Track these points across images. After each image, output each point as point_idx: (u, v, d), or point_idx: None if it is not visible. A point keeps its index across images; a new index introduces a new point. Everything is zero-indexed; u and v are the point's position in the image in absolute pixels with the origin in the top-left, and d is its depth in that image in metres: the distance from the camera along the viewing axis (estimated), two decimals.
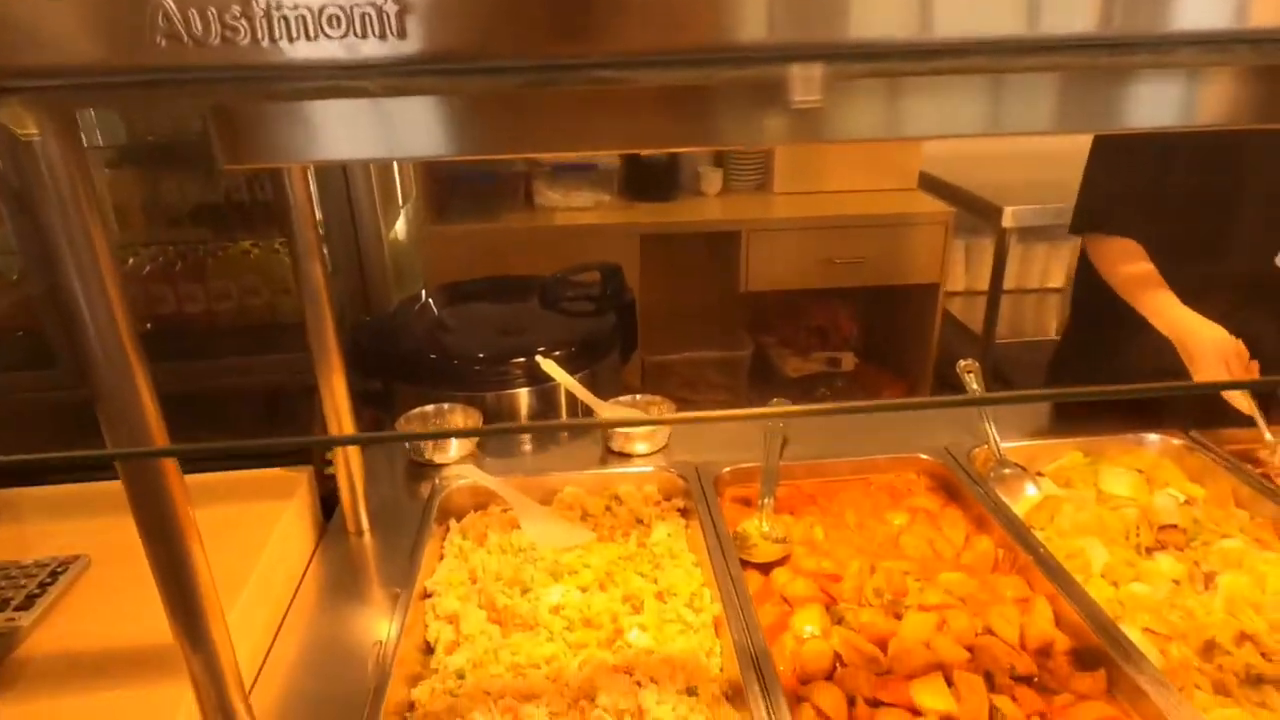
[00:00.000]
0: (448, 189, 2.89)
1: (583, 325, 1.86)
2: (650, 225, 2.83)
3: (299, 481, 1.26)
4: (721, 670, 1.02)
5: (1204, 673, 1.05)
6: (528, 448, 1.57)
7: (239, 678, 0.78)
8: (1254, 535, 1.28)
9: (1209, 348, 1.45)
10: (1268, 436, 1.45)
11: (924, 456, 1.44)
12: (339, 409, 1.24)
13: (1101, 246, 1.70)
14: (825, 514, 1.37)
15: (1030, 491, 1.40)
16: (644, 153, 3.06)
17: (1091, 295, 1.86)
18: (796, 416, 1.58)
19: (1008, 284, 3.44)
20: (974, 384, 1.56)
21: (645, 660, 1.00)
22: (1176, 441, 1.47)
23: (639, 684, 0.97)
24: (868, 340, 3.31)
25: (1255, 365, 1.45)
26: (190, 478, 1.28)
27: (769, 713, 0.92)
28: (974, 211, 2.95)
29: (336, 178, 2.48)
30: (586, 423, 1.69)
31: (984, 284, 3.39)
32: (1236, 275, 1.59)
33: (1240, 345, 1.45)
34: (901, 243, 2.93)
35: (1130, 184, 1.66)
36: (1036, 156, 3.41)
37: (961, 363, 1.62)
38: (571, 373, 1.79)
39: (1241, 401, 1.45)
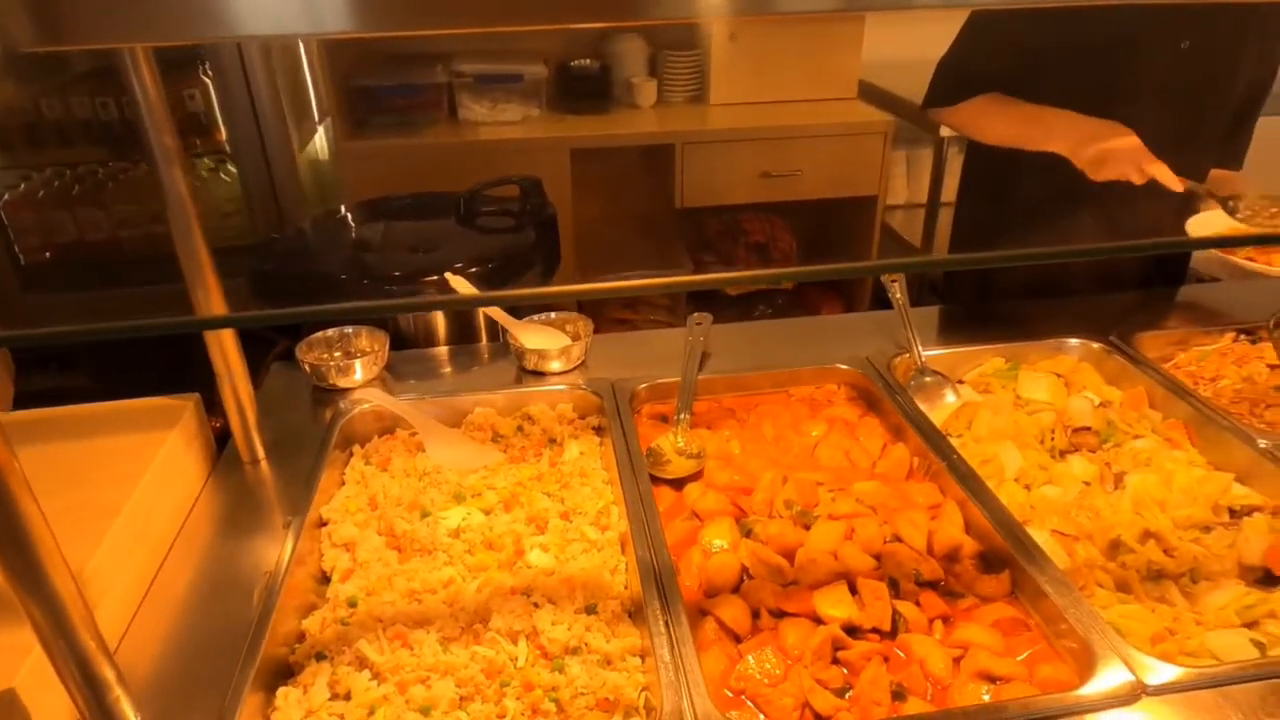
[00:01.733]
0: (366, 103, 2.73)
1: (500, 241, 1.78)
2: (580, 139, 2.72)
3: (184, 409, 1.18)
4: (626, 588, 1.00)
5: (1108, 571, 1.06)
6: (445, 369, 1.51)
7: (89, 619, 0.72)
8: (1165, 435, 1.28)
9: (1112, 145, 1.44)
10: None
11: (843, 367, 1.41)
12: (221, 337, 1.16)
13: (970, 109, 1.68)
14: (743, 427, 1.34)
15: (950, 399, 1.39)
16: (574, 62, 2.92)
17: (976, 202, 1.89)
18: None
19: (948, 196, 3.42)
20: (898, 294, 1.53)
21: (544, 581, 0.97)
22: (1096, 345, 1.46)
23: (536, 605, 0.94)
24: (807, 256, 3.26)
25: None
26: (66, 410, 1.20)
27: (668, 627, 0.90)
28: (914, 121, 2.88)
29: (239, 90, 2.32)
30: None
31: (925, 196, 3.36)
32: None
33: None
34: (840, 154, 2.86)
35: (990, 66, 1.65)
36: None
37: (886, 274, 1.59)
38: (489, 290, 1.72)
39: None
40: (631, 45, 2.98)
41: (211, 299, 1.10)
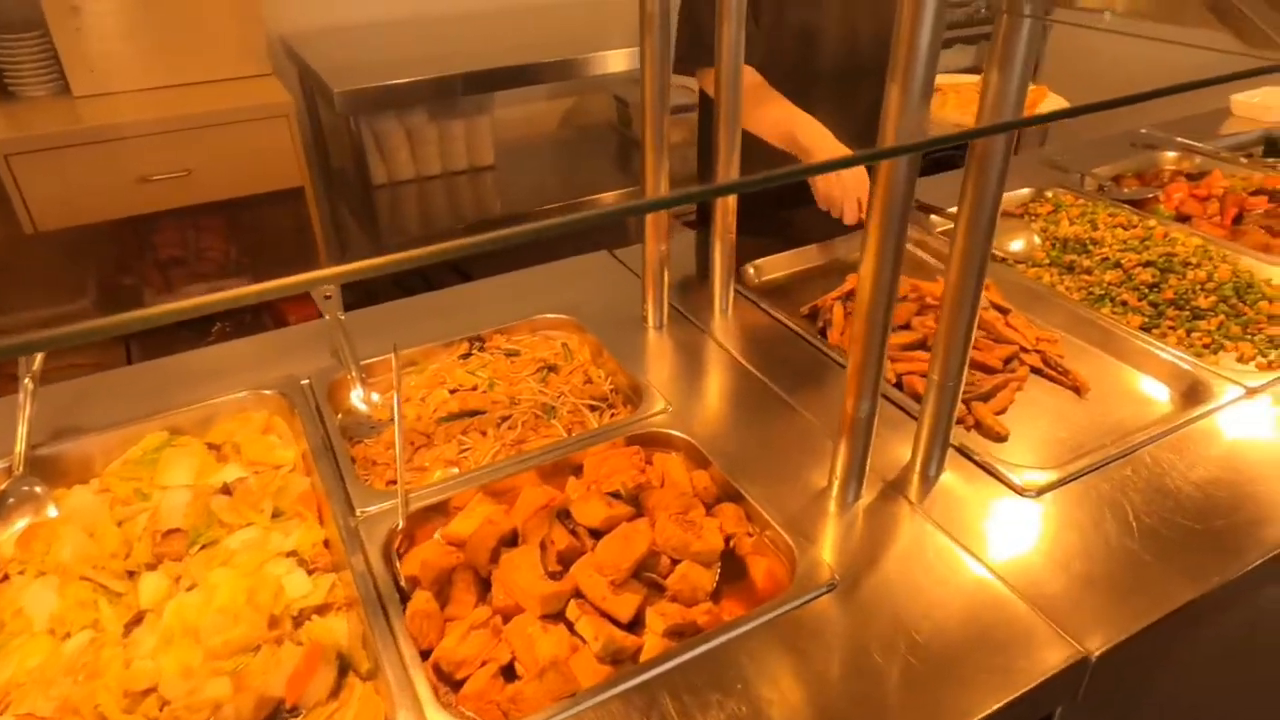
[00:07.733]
0: None
1: None
2: None
3: None
4: None
5: None
6: None
7: None
8: (294, 512, 1.06)
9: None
10: None
11: None
12: None
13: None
14: None
15: (52, 514, 1.08)
16: None
17: None
18: None
19: (435, 169, 3.16)
20: (26, 378, 1.19)
21: None
22: (268, 392, 1.21)
23: None
24: (255, 261, 2.85)
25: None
26: None
27: None
28: (322, 95, 2.54)
29: None
30: None
31: (433, 169, 3.07)
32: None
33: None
34: (243, 144, 2.46)
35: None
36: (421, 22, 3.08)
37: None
38: None
39: None
40: None
41: None
